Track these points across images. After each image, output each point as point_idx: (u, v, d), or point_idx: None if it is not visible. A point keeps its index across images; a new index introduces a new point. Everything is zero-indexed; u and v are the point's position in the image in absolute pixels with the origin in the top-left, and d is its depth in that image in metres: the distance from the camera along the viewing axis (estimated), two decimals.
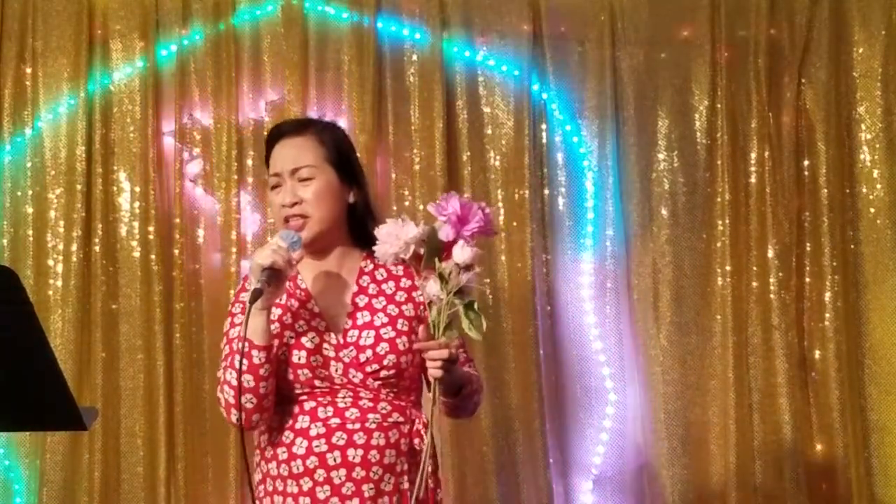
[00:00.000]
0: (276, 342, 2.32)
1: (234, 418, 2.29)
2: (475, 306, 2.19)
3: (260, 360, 2.26)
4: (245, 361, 2.24)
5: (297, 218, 2.37)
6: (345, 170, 2.44)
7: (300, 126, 2.48)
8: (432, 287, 2.20)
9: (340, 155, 2.44)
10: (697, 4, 4.02)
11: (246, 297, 2.22)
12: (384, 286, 2.42)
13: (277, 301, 2.37)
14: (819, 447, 3.96)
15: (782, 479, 3.88)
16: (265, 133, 3.81)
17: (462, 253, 2.17)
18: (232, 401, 2.27)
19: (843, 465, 3.91)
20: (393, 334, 2.34)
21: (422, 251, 2.21)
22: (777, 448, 3.89)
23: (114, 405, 3.72)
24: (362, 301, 2.39)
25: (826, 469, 3.95)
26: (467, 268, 2.17)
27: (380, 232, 2.23)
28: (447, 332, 2.20)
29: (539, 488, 3.81)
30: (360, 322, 2.36)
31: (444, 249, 2.19)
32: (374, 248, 2.23)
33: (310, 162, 2.40)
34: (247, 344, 2.25)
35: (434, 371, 2.21)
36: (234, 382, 2.25)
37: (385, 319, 2.36)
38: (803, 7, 4.03)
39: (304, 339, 2.34)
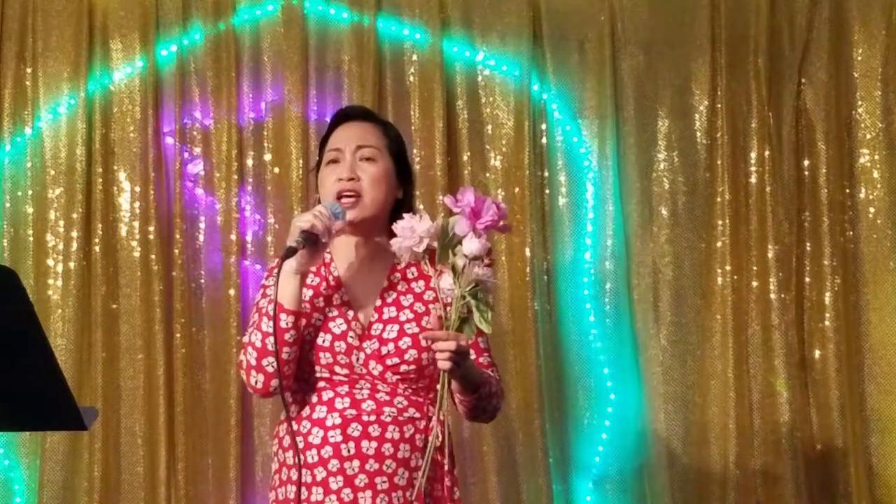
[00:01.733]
0: (303, 321, 2.33)
1: (252, 381, 2.31)
2: (483, 296, 2.20)
3: (287, 324, 2.27)
4: (271, 323, 2.23)
5: (350, 194, 2.37)
6: (400, 165, 2.48)
7: (369, 113, 2.56)
8: (445, 281, 2.22)
9: (400, 150, 2.49)
10: (697, 4, 4.01)
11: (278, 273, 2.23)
12: (413, 284, 2.41)
13: (308, 283, 2.38)
14: (819, 447, 3.95)
15: (782, 478, 3.88)
16: (265, 132, 3.85)
17: (470, 244, 2.19)
18: (253, 363, 2.29)
19: (843, 464, 3.91)
20: (416, 330, 2.33)
21: (435, 244, 2.23)
22: (777, 448, 3.89)
23: (114, 405, 3.71)
24: (390, 297, 2.39)
25: (826, 469, 3.94)
26: (476, 259, 2.19)
27: (397, 227, 2.25)
28: (465, 328, 2.21)
29: (539, 488, 3.80)
30: (385, 316, 2.37)
31: (459, 244, 2.21)
32: (391, 241, 2.25)
33: (375, 144, 2.44)
34: (275, 306, 2.25)
35: (442, 363, 2.20)
36: (259, 344, 2.28)
37: (410, 315, 2.36)
38: (803, 7, 4.03)
39: (331, 324, 2.35)
